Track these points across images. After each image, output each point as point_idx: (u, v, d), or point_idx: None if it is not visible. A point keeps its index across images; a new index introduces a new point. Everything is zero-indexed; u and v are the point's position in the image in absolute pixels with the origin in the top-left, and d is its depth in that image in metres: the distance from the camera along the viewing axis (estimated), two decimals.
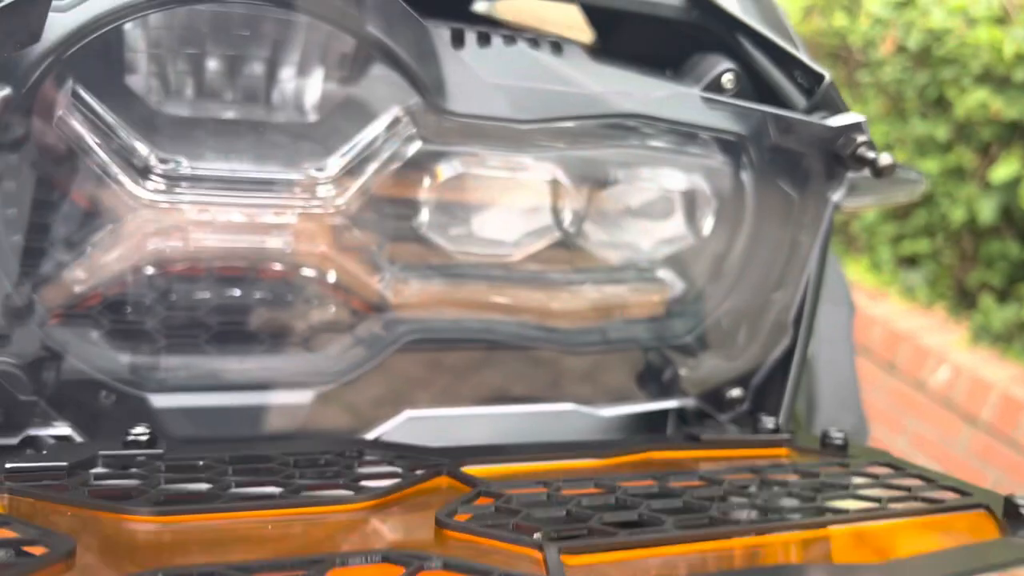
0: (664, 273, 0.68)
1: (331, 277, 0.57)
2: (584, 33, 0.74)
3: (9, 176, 0.46)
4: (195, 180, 0.52)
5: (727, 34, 0.62)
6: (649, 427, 0.65)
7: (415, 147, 0.54)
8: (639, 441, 0.55)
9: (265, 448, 0.47)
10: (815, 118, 0.58)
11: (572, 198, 0.62)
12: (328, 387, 0.57)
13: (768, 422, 0.57)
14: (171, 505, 0.39)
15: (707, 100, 0.59)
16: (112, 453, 0.43)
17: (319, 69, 0.54)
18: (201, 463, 0.44)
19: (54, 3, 0.42)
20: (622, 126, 0.57)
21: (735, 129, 0.58)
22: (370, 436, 0.56)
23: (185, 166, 0.52)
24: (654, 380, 0.65)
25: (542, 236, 0.63)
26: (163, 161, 0.51)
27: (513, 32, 0.56)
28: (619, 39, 0.70)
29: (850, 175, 0.58)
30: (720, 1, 0.62)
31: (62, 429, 0.49)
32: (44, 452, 0.44)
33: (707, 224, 0.66)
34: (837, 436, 0.55)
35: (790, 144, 0.57)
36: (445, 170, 0.58)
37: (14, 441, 0.47)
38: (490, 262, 0.62)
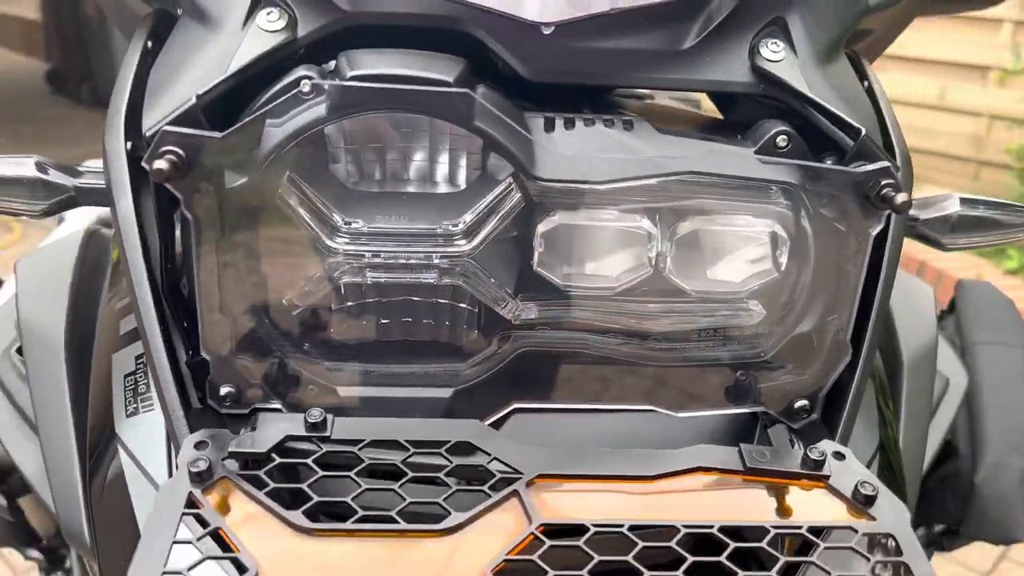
0: (750, 303, 0.80)
1: (466, 305, 0.77)
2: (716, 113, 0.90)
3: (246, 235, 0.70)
4: (369, 235, 0.74)
5: (788, 101, 0.75)
6: (726, 429, 0.77)
7: (519, 205, 0.73)
8: (688, 458, 0.67)
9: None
10: (850, 167, 0.69)
11: (657, 241, 0.78)
12: (463, 386, 0.76)
13: (815, 452, 0.67)
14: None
15: (760, 158, 0.72)
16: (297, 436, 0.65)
17: (461, 153, 0.74)
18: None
19: (271, 120, 0.66)
20: (686, 182, 0.72)
21: (787, 180, 0.71)
22: (486, 422, 0.73)
23: (362, 225, 0.74)
24: (730, 390, 0.77)
25: (635, 272, 0.79)
26: (347, 223, 0.74)
27: (593, 116, 0.73)
28: (726, 114, 0.86)
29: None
30: (782, 75, 0.76)
31: (276, 405, 0.71)
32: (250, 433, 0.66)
33: (783, 260, 0.78)
34: (869, 488, 0.64)
35: (826, 189, 0.69)
36: (548, 222, 0.76)
37: (245, 411, 0.71)
38: (593, 293, 0.79)
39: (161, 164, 0.60)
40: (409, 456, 0.65)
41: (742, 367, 0.78)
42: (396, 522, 0.59)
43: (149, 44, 0.78)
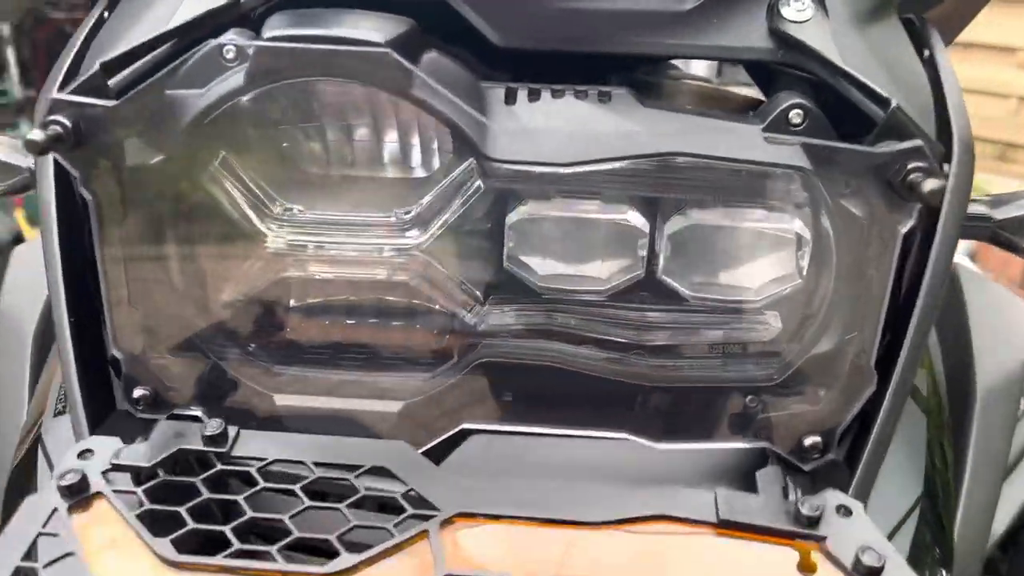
0: (767, 314, 0.67)
1: (422, 305, 0.67)
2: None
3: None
4: (309, 223, 0.65)
5: (813, 70, 0.61)
6: (726, 468, 0.64)
7: (479, 191, 0.62)
8: (650, 501, 0.54)
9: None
10: (874, 146, 0.55)
11: (648, 238, 0.65)
12: (415, 399, 0.66)
13: (809, 505, 0.53)
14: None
15: (767, 136, 0.59)
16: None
17: (426, 133, 0.64)
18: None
19: (191, 91, 0.58)
20: (669, 166, 0.60)
21: (791, 163, 0.57)
22: (428, 446, 0.63)
23: (301, 211, 0.65)
24: (731, 420, 0.64)
25: (624, 273, 0.66)
26: (286, 208, 0.65)
27: (564, 87, 0.62)
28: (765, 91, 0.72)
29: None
30: (805, 39, 0.62)
31: (196, 412, 0.63)
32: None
33: (805, 263, 0.64)
34: (874, 557, 0.50)
35: (841, 174, 0.55)
36: (518, 212, 0.64)
37: (162, 416, 0.63)
38: (574, 297, 0.67)
39: (37, 135, 0.53)
40: (311, 481, 0.55)
41: (750, 392, 0.65)
42: (274, 559, 0.50)
43: (105, 14, 0.72)
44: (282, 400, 0.66)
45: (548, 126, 0.60)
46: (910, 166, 0.52)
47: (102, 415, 0.64)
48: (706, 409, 0.65)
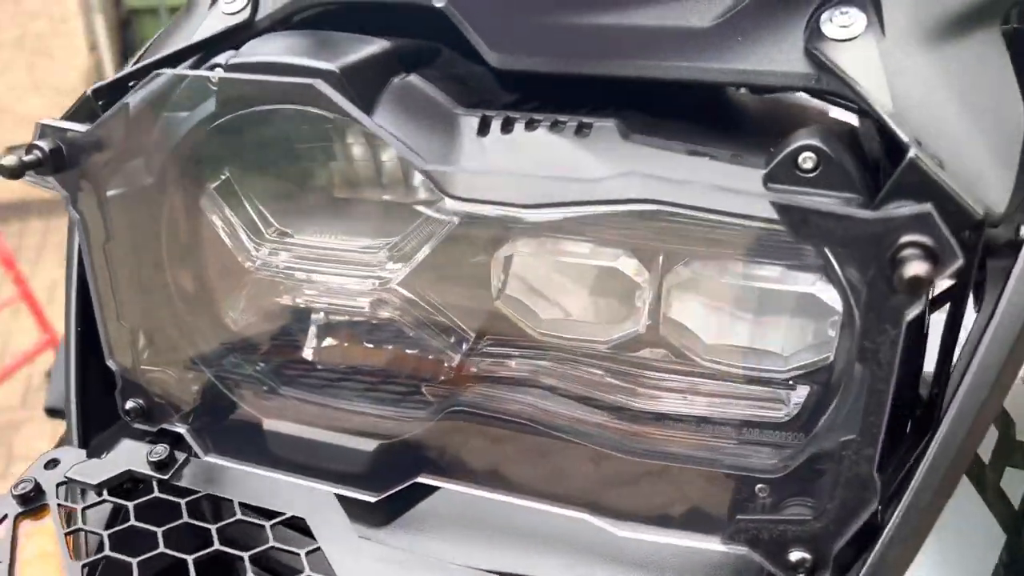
0: (782, 391, 0.56)
1: (406, 341, 0.63)
2: None
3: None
4: (298, 248, 0.63)
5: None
6: (689, 566, 0.54)
7: (450, 228, 0.57)
8: None
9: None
10: (878, 208, 0.43)
11: (644, 290, 0.57)
12: (388, 441, 0.62)
13: None
14: None
15: (769, 185, 0.49)
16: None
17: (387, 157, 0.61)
18: None
19: (175, 114, 0.58)
20: (656, 215, 0.51)
21: (767, 220, 0.47)
22: (382, 496, 0.59)
23: (292, 237, 0.64)
24: (703, 511, 0.54)
25: (621, 327, 0.59)
26: (280, 233, 0.64)
27: (543, 116, 0.55)
28: None
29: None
30: (843, 62, 0.51)
31: (180, 429, 0.64)
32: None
33: (834, 334, 0.53)
34: None
35: (822, 244, 0.44)
36: (505, 250, 0.59)
37: (153, 429, 0.65)
38: (569, 345, 0.60)
39: (9, 160, 0.55)
40: (227, 523, 0.54)
41: (753, 482, 0.54)
42: None
43: None
44: (268, 425, 0.65)
45: (512, 163, 0.53)
46: (902, 240, 0.40)
47: (109, 421, 0.67)
48: (692, 497, 0.55)
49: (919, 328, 0.49)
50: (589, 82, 0.58)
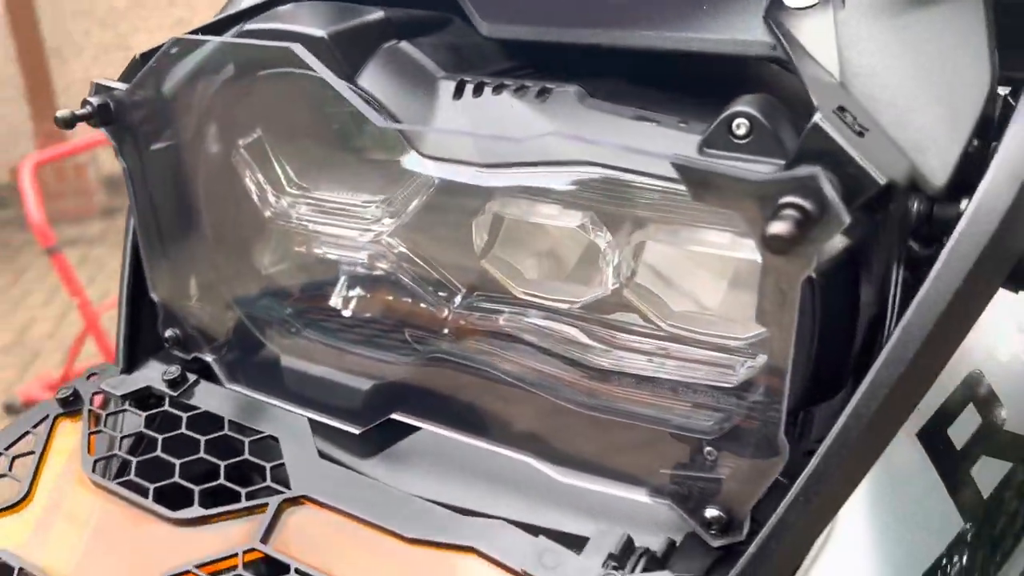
0: (734, 358, 0.57)
1: (400, 291, 0.68)
2: None
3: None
4: (311, 202, 0.70)
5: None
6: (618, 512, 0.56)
7: (434, 187, 0.62)
8: (470, 532, 0.51)
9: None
10: (758, 173, 0.44)
11: (610, 252, 0.59)
12: (380, 382, 0.68)
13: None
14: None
15: (705, 150, 0.50)
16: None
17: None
18: None
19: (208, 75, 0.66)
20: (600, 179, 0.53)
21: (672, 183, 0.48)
22: (362, 429, 0.65)
23: (307, 192, 0.70)
24: (638, 465, 0.56)
25: (589, 288, 0.61)
26: (298, 188, 0.71)
27: (512, 81, 0.58)
28: None
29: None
30: (799, 32, 0.51)
31: (209, 358, 0.73)
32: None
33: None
34: None
35: (719, 205, 0.45)
36: (485, 210, 0.63)
37: (187, 356, 0.74)
38: (544, 303, 0.64)
39: (63, 113, 0.65)
40: (213, 432, 0.61)
41: (690, 442, 0.56)
42: (146, 495, 0.57)
43: None
44: (284, 361, 0.72)
45: (479, 123, 0.57)
46: (781, 200, 0.41)
47: (156, 346, 0.76)
48: (629, 451, 0.57)
49: (841, 294, 0.49)
50: (582, 50, 0.61)
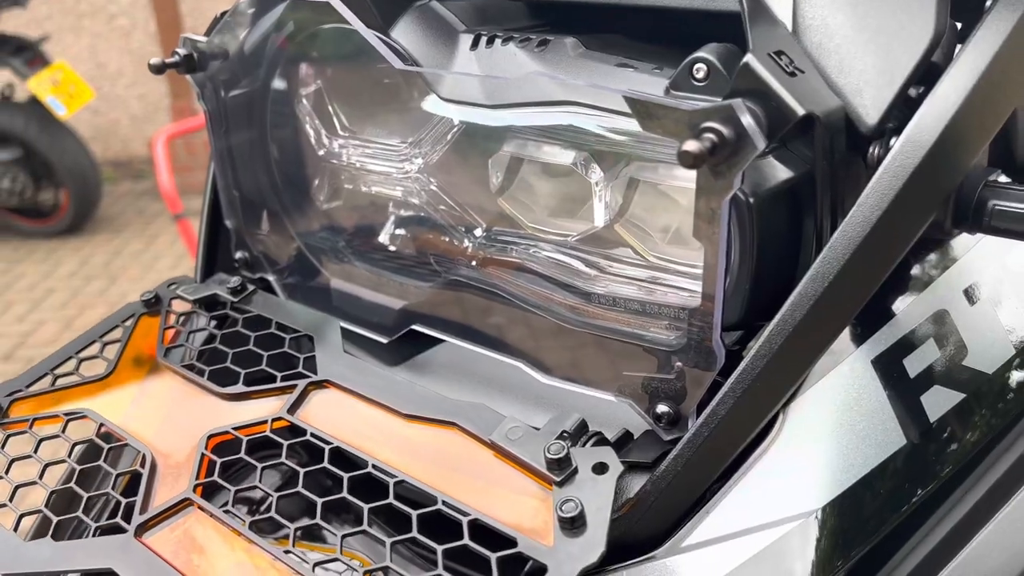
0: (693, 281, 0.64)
1: (430, 223, 0.78)
2: None
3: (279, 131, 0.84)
4: (357, 143, 0.80)
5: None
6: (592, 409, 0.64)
7: (454, 128, 0.71)
8: (451, 410, 0.61)
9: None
10: (690, 103, 0.51)
11: (601, 188, 0.67)
12: (410, 301, 0.78)
13: (554, 448, 0.55)
14: None
15: (672, 92, 0.57)
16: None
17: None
18: None
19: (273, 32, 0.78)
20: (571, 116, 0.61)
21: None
22: (389, 338, 0.75)
23: (354, 135, 0.81)
24: (611, 370, 0.63)
25: (585, 222, 0.69)
26: (348, 131, 0.82)
27: (519, 34, 0.66)
28: None
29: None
30: None
31: (271, 278, 0.85)
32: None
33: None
34: (572, 508, 0.51)
35: (661, 132, 0.52)
36: (500, 150, 0.71)
37: (253, 276, 0.86)
38: (548, 236, 0.72)
39: (155, 60, 0.77)
40: (262, 331, 0.73)
41: (657, 353, 0.63)
42: (203, 375, 0.69)
43: None
44: (334, 284, 0.84)
45: (482, 70, 0.66)
46: (703, 125, 0.48)
47: (229, 267, 0.89)
48: (614, 362, 0.65)
49: (780, 219, 0.55)
50: (583, 9, 0.69)
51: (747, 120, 0.48)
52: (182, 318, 0.78)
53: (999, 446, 0.65)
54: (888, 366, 0.62)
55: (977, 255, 0.68)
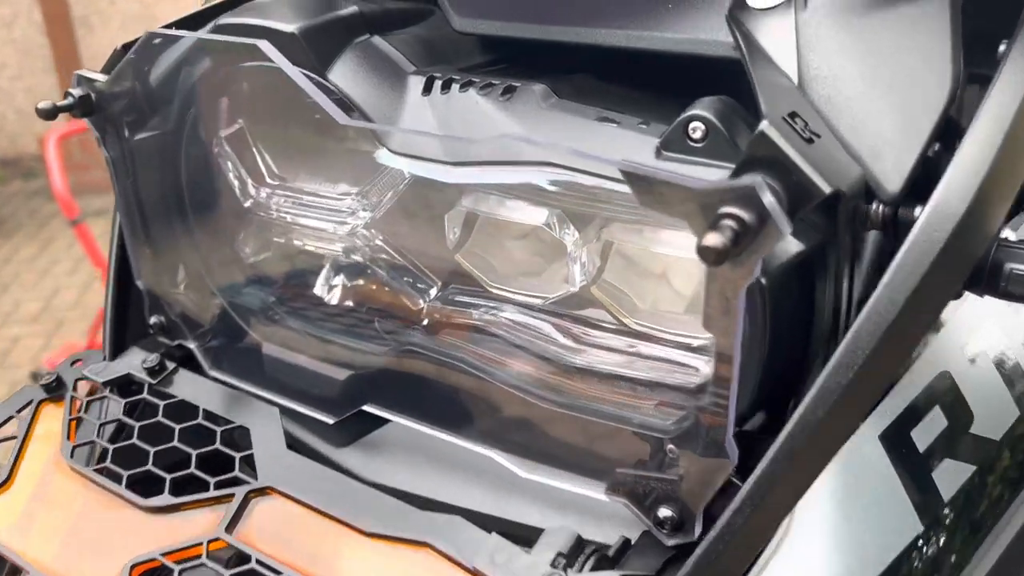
0: (697, 357, 0.57)
1: (369, 284, 0.69)
2: None
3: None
4: (288, 193, 0.71)
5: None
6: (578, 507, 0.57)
7: (406, 180, 0.62)
8: (426, 527, 0.53)
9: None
10: (701, 181, 0.43)
11: (576, 250, 0.59)
12: (357, 372, 0.69)
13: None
14: None
15: (661, 153, 0.50)
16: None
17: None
18: None
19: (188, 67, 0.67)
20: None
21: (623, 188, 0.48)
22: (336, 419, 0.66)
23: (285, 183, 0.71)
24: (597, 461, 0.56)
25: (558, 285, 0.62)
26: (278, 179, 0.72)
27: (481, 79, 0.58)
28: None
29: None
30: (758, 32, 0.51)
31: (192, 345, 0.74)
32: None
33: None
34: None
35: (665, 212, 0.45)
36: (457, 205, 0.63)
37: (172, 343, 0.75)
38: (514, 298, 0.64)
39: (45, 104, 0.66)
40: (188, 421, 0.62)
41: (650, 441, 0.56)
42: (119, 481, 0.59)
43: None
44: (266, 349, 0.74)
45: (440, 121, 0.57)
46: (721, 211, 0.41)
47: (143, 333, 0.78)
48: (590, 447, 0.58)
49: (793, 298, 0.49)
50: (551, 47, 0.61)
51: (769, 201, 0.41)
52: (91, 405, 0.67)
53: (1010, 520, 0.61)
54: (896, 441, 0.57)
55: (972, 311, 0.64)
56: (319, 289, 0.72)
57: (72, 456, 0.62)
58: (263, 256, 0.74)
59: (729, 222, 0.41)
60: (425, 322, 0.67)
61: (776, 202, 0.41)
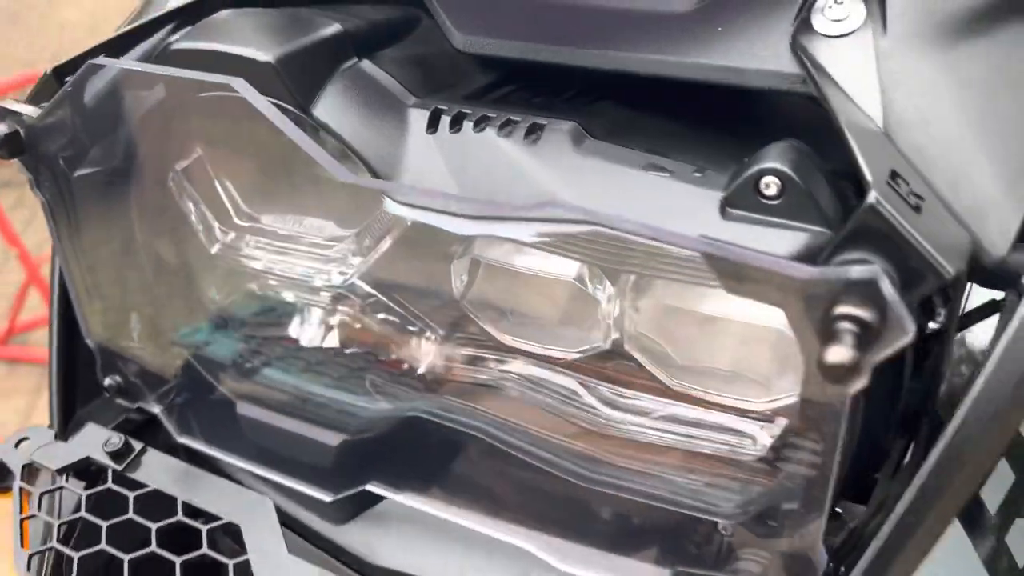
0: (752, 426, 0.51)
1: (361, 337, 0.60)
2: None
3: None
4: (263, 232, 0.61)
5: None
6: None
7: (402, 228, 0.54)
8: None
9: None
10: (829, 261, 0.37)
11: (606, 305, 0.52)
12: (352, 439, 0.61)
13: None
14: None
15: (726, 211, 0.43)
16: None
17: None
18: None
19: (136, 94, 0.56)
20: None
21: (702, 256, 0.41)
22: (333, 497, 0.58)
23: (257, 223, 0.61)
24: (651, 553, 0.50)
25: (586, 341, 0.54)
26: (248, 218, 0.62)
27: (492, 112, 0.49)
28: None
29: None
30: (826, 61, 0.43)
31: (155, 409, 0.65)
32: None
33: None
34: None
35: (754, 299, 0.38)
36: (465, 253, 0.55)
37: (132, 406, 0.65)
38: (529, 353, 0.56)
39: None
40: (166, 519, 0.54)
41: (706, 525, 0.50)
42: None
43: None
44: (241, 409, 0.65)
45: (452, 165, 0.49)
46: (836, 311, 0.34)
47: (95, 394, 0.68)
48: (641, 535, 0.52)
49: (884, 386, 0.43)
50: (565, 68, 0.53)
51: (891, 295, 0.34)
52: (44, 498, 0.57)
53: None
54: (969, 504, 0.52)
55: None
56: (304, 340, 0.64)
57: (28, 568, 0.53)
58: (232, 301, 0.65)
59: (848, 325, 0.34)
60: (427, 382, 0.59)
61: (898, 296, 0.34)
